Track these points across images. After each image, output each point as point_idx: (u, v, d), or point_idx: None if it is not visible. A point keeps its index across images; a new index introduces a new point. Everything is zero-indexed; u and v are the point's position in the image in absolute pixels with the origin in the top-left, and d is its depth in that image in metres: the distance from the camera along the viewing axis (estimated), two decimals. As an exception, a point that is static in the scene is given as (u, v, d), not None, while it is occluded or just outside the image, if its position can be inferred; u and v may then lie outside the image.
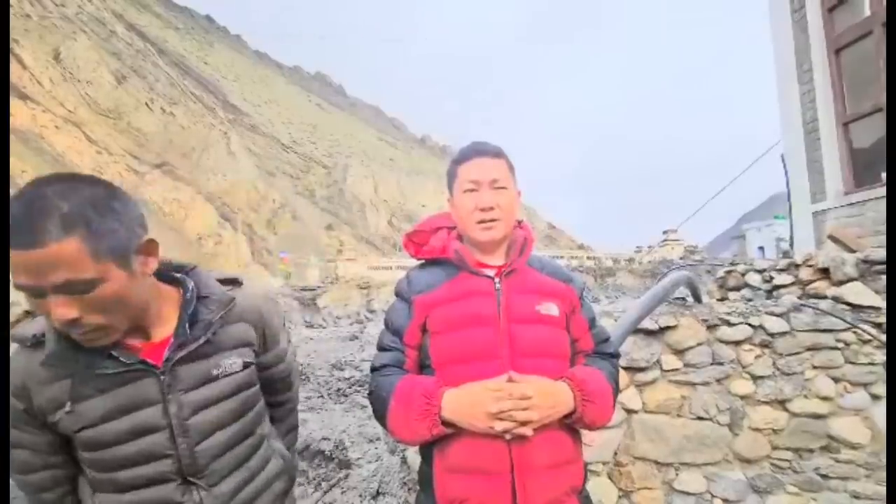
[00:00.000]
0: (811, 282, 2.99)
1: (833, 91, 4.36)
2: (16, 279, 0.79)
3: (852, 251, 3.16)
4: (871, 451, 2.41)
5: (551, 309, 1.16)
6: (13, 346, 0.97)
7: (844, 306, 2.61)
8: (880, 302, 2.58)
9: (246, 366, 1.09)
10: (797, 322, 2.51)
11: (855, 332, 2.49)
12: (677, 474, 2.41)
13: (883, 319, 2.50)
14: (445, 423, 1.05)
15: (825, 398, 2.44)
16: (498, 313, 1.13)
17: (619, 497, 2.36)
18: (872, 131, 4.29)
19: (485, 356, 1.09)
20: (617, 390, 1.22)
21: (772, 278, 3.36)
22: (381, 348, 1.22)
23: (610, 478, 2.38)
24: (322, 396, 5.65)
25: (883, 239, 3.53)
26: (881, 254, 2.74)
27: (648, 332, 2.46)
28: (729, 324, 2.51)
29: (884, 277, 2.67)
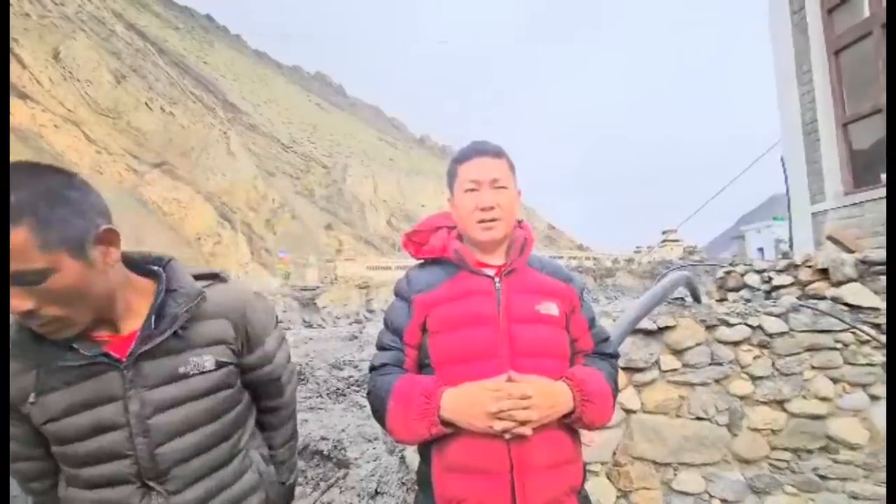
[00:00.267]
0: (810, 282, 2.99)
1: (832, 92, 4.36)
2: None
3: (851, 252, 3.16)
4: (870, 451, 2.41)
5: (551, 309, 1.16)
6: None
7: (843, 307, 2.61)
8: (879, 303, 2.58)
9: (220, 365, 1.02)
10: (796, 323, 2.51)
11: (854, 333, 2.49)
12: (676, 474, 2.41)
13: (881, 320, 2.51)
14: (444, 423, 1.05)
15: (824, 399, 2.45)
16: (498, 313, 1.12)
17: (618, 497, 2.36)
18: (872, 132, 4.29)
19: (484, 356, 1.09)
20: (616, 390, 1.22)
21: (771, 279, 3.36)
22: (381, 347, 1.22)
23: (609, 478, 2.38)
24: (321, 396, 5.65)
25: (882, 240, 3.53)
26: (880, 255, 2.74)
27: (647, 333, 2.47)
28: (728, 324, 2.51)
29: (883, 278, 2.67)
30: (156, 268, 1.04)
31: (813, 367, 2.48)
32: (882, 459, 2.39)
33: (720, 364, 2.47)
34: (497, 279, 1.17)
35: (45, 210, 0.79)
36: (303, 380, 6.53)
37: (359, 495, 2.98)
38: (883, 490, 2.35)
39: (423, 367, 1.17)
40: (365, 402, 4.99)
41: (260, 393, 1.19)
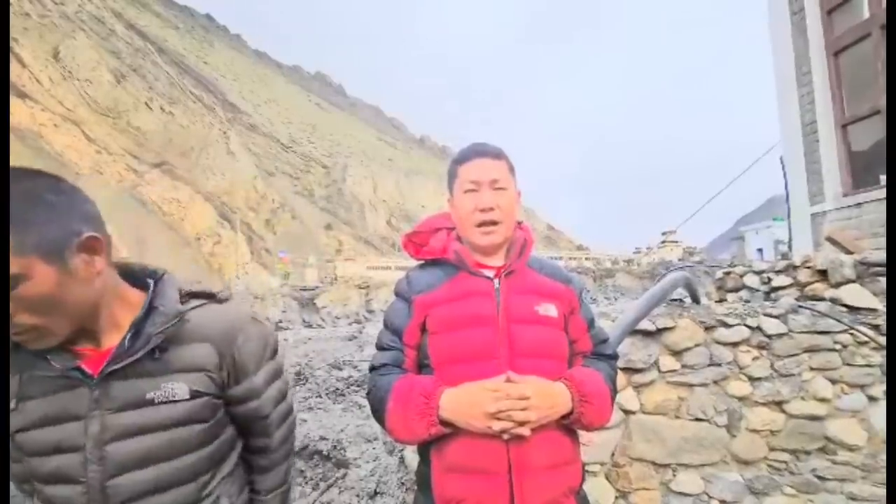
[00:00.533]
0: (809, 283, 2.99)
1: (832, 93, 4.37)
2: None
3: (850, 253, 3.17)
4: (868, 452, 2.42)
5: (550, 310, 1.17)
6: None
7: (842, 308, 2.62)
8: (878, 304, 2.59)
9: (195, 395, 0.92)
10: (795, 324, 2.52)
11: (852, 334, 2.49)
12: (675, 475, 2.41)
13: (880, 321, 2.51)
14: (444, 423, 1.05)
15: (822, 400, 2.45)
16: (497, 314, 1.13)
17: (617, 498, 2.37)
18: (871, 134, 4.30)
19: (483, 356, 1.09)
20: (615, 391, 1.22)
21: (770, 280, 3.36)
22: (381, 347, 1.22)
23: (607, 478, 2.39)
24: (320, 396, 5.65)
25: (881, 241, 3.53)
26: (879, 256, 2.75)
27: (646, 334, 2.47)
28: (727, 325, 2.51)
29: (881, 279, 2.67)
30: (150, 281, 0.98)
31: (811, 369, 2.49)
32: (880, 460, 2.39)
33: (719, 365, 2.47)
34: (496, 280, 1.17)
35: (20, 213, 0.76)
36: (302, 380, 6.54)
37: (358, 495, 2.98)
38: (881, 491, 2.35)
39: (422, 367, 1.17)
40: (364, 403, 4.99)
41: (245, 430, 1.07)
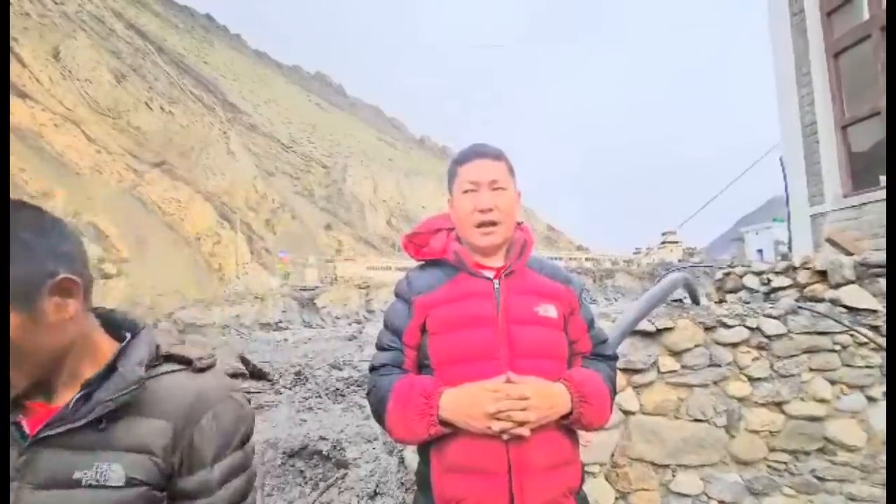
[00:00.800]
0: (809, 284, 3.00)
1: (832, 95, 4.38)
2: None
3: (850, 254, 3.17)
4: (868, 453, 2.42)
5: (550, 310, 1.17)
6: None
7: (842, 309, 2.62)
8: (877, 305, 2.59)
9: (131, 483, 0.74)
10: (794, 324, 2.52)
11: (852, 335, 2.50)
12: (674, 476, 2.41)
13: (880, 322, 2.52)
14: (443, 423, 1.05)
15: (822, 400, 2.45)
16: (497, 314, 1.13)
17: (616, 498, 2.37)
18: (871, 135, 4.31)
19: (483, 357, 1.10)
20: (614, 392, 1.23)
21: (769, 281, 3.36)
22: (381, 348, 1.22)
23: (607, 479, 2.39)
24: (320, 396, 5.65)
25: (881, 242, 3.54)
26: (879, 257, 2.75)
27: (646, 334, 2.47)
28: (726, 326, 2.51)
29: (881, 280, 2.68)
30: (126, 334, 0.85)
31: (811, 369, 2.49)
32: (879, 461, 2.39)
33: (718, 366, 2.48)
34: (496, 281, 1.18)
35: None
36: (302, 380, 6.54)
37: (357, 496, 2.98)
38: (880, 491, 2.35)
39: (422, 367, 1.18)
40: (364, 403, 4.99)
41: None
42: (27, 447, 0.73)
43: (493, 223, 1.18)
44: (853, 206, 4.06)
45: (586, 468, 1.58)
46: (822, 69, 4.42)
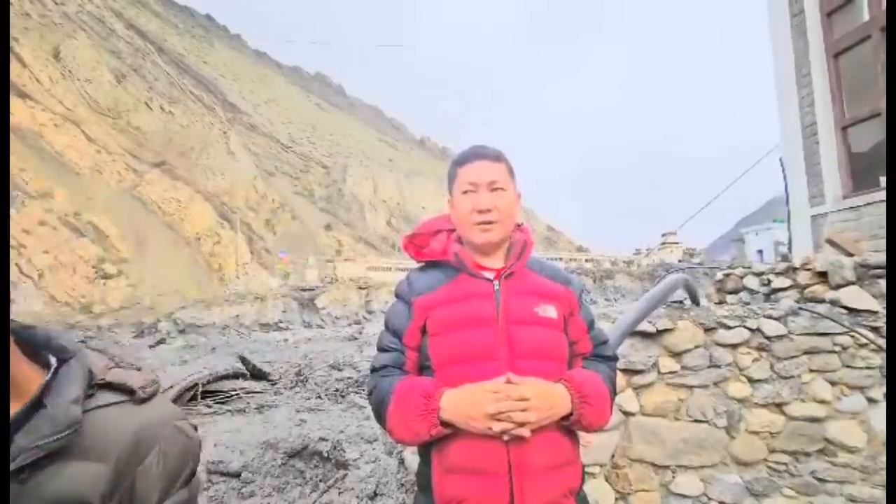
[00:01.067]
0: (809, 285, 3.00)
1: (832, 95, 4.38)
2: None
3: (850, 255, 3.17)
4: (868, 454, 2.42)
5: (550, 311, 1.17)
6: None
7: (842, 310, 2.62)
8: (877, 306, 2.59)
9: None
10: (795, 325, 2.52)
11: (852, 336, 2.50)
12: (674, 477, 2.41)
13: (880, 323, 2.51)
14: (444, 424, 1.05)
15: (822, 401, 2.45)
16: (497, 315, 1.13)
17: (616, 499, 2.37)
18: (871, 135, 4.31)
19: (483, 357, 1.10)
20: (614, 393, 1.23)
21: (770, 282, 3.36)
22: (381, 349, 1.22)
23: (607, 480, 2.39)
24: (320, 397, 5.65)
25: (881, 243, 3.54)
26: (879, 258, 2.75)
27: (646, 335, 2.47)
28: (726, 327, 2.51)
29: (881, 281, 2.68)
30: (53, 360, 0.70)
31: (811, 370, 2.49)
32: (880, 462, 2.39)
33: (719, 367, 2.47)
34: (496, 282, 1.18)
35: None
36: (302, 380, 6.54)
37: (357, 496, 2.98)
38: (880, 493, 2.35)
39: (423, 368, 1.18)
40: (364, 403, 4.99)
41: None
42: None
43: (492, 223, 1.18)
44: (853, 207, 4.06)
45: (586, 469, 1.58)
46: (822, 70, 4.43)
